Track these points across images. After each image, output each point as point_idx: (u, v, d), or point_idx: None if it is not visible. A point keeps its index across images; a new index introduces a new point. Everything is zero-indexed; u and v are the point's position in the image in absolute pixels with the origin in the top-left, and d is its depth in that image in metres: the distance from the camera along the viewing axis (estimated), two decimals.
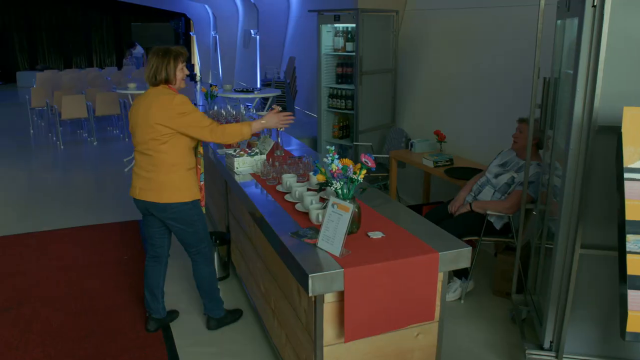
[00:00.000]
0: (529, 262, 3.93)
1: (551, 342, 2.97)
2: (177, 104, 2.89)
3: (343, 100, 6.02)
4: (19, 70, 18.73)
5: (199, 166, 3.18)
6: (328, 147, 2.36)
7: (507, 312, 3.66)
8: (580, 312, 2.86)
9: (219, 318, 3.42)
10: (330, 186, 2.38)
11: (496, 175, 3.84)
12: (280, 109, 3.32)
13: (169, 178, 2.99)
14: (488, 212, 3.68)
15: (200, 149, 3.19)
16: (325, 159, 2.37)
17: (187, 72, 3.09)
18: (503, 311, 3.68)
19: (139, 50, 16.43)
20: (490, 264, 4.34)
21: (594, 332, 2.88)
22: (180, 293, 3.91)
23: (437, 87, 5.59)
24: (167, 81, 2.99)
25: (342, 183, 2.32)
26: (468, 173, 4.44)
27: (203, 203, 3.23)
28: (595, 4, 2.46)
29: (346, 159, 2.39)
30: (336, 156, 2.32)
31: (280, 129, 3.51)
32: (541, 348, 3.00)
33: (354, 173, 2.34)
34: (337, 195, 2.37)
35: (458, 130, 5.16)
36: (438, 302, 2.43)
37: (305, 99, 9.07)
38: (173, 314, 3.59)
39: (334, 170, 2.27)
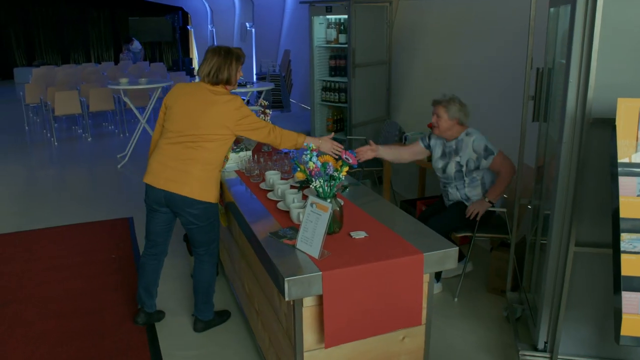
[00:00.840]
0: (524, 259, 3.83)
1: (545, 343, 2.87)
2: (238, 106, 2.89)
3: (337, 94, 5.91)
4: (17, 67, 18.65)
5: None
6: (305, 144, 2.25)
7: (501, 310, 3.56)
8: (574, 311, 2.76)
9: (207, 320, 3.33)
10: (309, 184, 2.28)
11: (444, 171, 3.66)
12: (333, 134, 3.36)
13: (204, 175, 2.91)
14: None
15: (228, 154, 3.19)
16: (304, 156, 2.27)
17: (242, 74, 3.09)
18: (497, 309, 3.58)
19: (136, 45, 16.31)
20: (486, 260, 4.23)
21: (589, 332, 2.77)
22: (168, 292, 3.82)
23: (432, 79, 5.46)
24: (227, 82, 2.97)
25: (322, 181, 2.22)
26: None
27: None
28: None
29: (327, 156, 2.28)
30: (315, 153, 2.21)
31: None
32: (535, 349, 2.90)
33: (335, 170, 2.24)
34: (318, 194, 2.27)
35: None
36: (425, 304, 2.33)
37: (301, 92, 8.95)
38: (160, 314, 3.50)
39: (311, 168, 2.16)
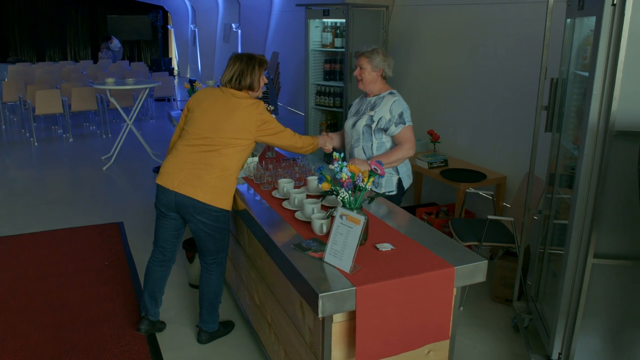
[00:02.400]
0: (528, 267, 3.83)
1: (559, 354, 2.85)
2: (261, 112, 2.87)
3: (331, 98, 5.85)
4: None
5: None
6: (336, 153, 2.18)
7: (508, 319, 3.54)
8: (590, 322, 2.75)
9: (212, 332, 3.23)
10: (335, 195, 2.21)
11: (353, 125, 3.38)
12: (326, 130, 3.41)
13: (221, 182, 2.82)
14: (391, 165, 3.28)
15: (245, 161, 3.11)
16: (331, 167, 2.20)
17: (265, 80, 3.03)
18: (504, 319, 3.56)
19: (115, 43, 16.01)
20: (487, 269, 4.22)
21: (605, 343, 2.77)
22: (168, 301, 3.70)
23: (429, 85, 5.45)
24: (250, 88, 2.93)
25: (349, 192, 2.16)
26: (465, 175, 4.32)
27: None
28: (615, 2, 2.33)
29: (352, 166, 2.22)
30: (344, 163, 2.15)
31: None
32: (549, 359, 2.89)
33: (362, 181, 2.18)
34: (343, 205, 2.20)
35: (451, 130, 5.03)
36: (450, 318, 2.28)
37: (289, 95, 8.87)
38: (162, 324, 3.39)
39: (343, 179, 2.10)
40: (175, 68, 18.51)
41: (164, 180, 2.88)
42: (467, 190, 4.13)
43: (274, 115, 3.08)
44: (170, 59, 18.03)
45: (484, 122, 4.69)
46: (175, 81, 15.75)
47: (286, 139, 3.00)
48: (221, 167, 2.80)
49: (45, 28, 19.23)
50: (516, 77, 4.28)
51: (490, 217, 3.57)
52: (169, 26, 19.18)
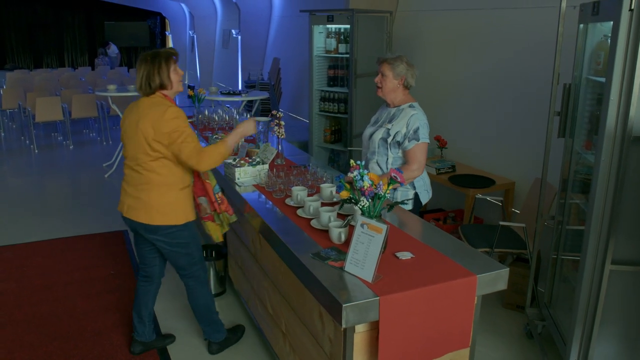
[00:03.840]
0: (539, 273, 3.81)
1: None
2: (168, 118, 2.62)
3: (335, 104, 5.82)
4: None
5: (207, 181, 2.91)
6: (356, 162, 2.16)
7: (521, 326, 3.52)
8: (608, 330, 2.72)
9: (220, 341, 3.19)
10: (354, 203, 2.18)
11: (370, 136, 3.30)
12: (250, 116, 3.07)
13: (161, 199, 2.73)
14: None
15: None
16: (352, 174, 2.17)
17: (181, 72, 2.81)
18: (517, 325, 3.54)
19: (113, 49, 15.97)
20: None
21: (623, 350, 2.74)
22: (176, 311, 3.67)
23: (435, 90, 5.44)
24: (162, 86, 2.72)
25: (369, 200, 2.13)
26: (473, 181, 4.30)
27: (231, 212, 3.02)
28: (632, 7, 2.32)
29: (371, 174, 2.19)
30: (365, 171, 2.12)
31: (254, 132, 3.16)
32: None
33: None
34: (362, 213, 2.17)
35: (458, 136, 5.02)
36: (471, 327, 2.26)
37: (290, 101, 8.85)
38: (167, 339, 3.32)
39: (365, 187, 2.07)
40: None
41: (119, 205, 2.87)
42: (477, 196, 4.11)
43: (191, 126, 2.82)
44: None
45: (491, 127, 4.68)
46: None
47: (192, 155, 2.65)
48: (157, 184, 2.72)
49: (42, 34, 19.20)
50: (523, 82, 4.27)
51: (502, 223, 3.55)
52: (167, 32, 19.16)
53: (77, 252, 4.65)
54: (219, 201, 2.96)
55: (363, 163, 2.19)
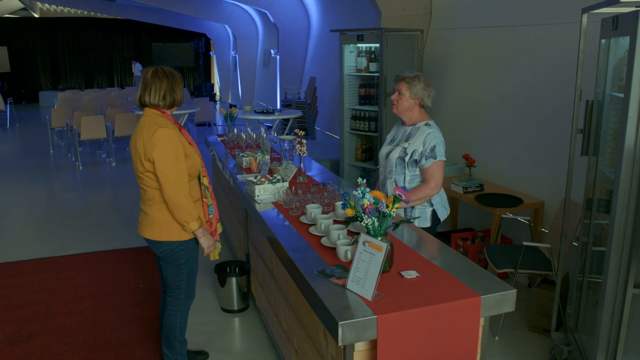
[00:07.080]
0: (567, 296, 3.68)
1: None
2: (154, 141, 2.64)
3: (366, 122, 5.84)
4: (42, 90, 18.99)
5: (204, 199, 2.95)
6: (359, 180, 2.17)
7: (545, 350, 3.40)
8: (631, 356, 2.60)
9: None
10: (360, 221, 2.18)
11: (387, 156, 3.28)
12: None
13: (163, 214, 2.78)
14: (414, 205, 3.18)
15: (205, 180, 2.92)
16: (355, 192, 2.18)
17: (182, 89, 2.96)
18: (542, 350, 3.42)
19: (137, 67, 16.39)
20: (524, 296, 4.09)
21: None
22: (199, 325, 3.72)
23: (465, 108, 5.38)
24: (175, 102, 2.83)
25: (373, 218, 2.13)
26: (500, 200, 4.22)
27: (217, 238, 3.03)
28: None
29: (377, 191, 2.19)
30: (367, 189, 2.12)
31: (204, 254, 3.05)
32: None
33: (386, 207, 2.15)
34: (368, 231, 2.17)
35: (487, 154, 4.94)
36: (478, 350, 2.20)
37: (326, 119, 8.92)
38: (199, 356, 3.33)
39: (365, 205, 2.07)
40: (217, 93, 18.94)
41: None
42: (503, 216, 4.03)
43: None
44: (212, 85, 18.47)
45: (520, 145, 4.59)
46: (217, 106, 16.12)
47: (167, 185, 2.64)
48: (159, 199, 2.76)
49: (93, 56, 20.11)
50: (552, 99, 4.18)
51: (525, 243, 3.46)
52: (211, 52, 19.70)
53: (110, 265, 4.80)
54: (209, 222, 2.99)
55: (364, 180, 2.19)
